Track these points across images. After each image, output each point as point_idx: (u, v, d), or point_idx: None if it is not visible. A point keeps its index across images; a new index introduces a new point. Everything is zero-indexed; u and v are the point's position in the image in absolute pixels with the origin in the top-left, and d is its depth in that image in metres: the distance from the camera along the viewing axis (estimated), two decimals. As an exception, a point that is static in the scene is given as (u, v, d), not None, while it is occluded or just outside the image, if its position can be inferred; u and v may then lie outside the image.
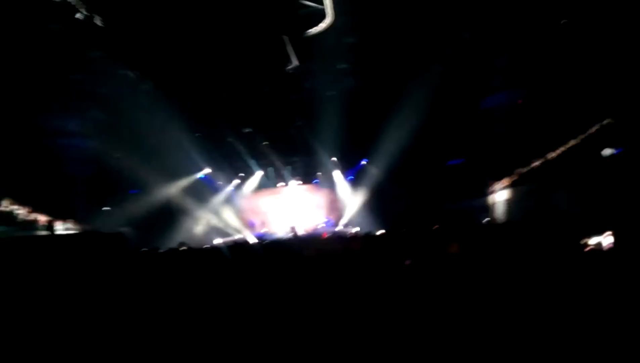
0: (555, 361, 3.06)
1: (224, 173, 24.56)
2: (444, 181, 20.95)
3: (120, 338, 4.04)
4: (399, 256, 5.73)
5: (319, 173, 25.23)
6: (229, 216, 24.35)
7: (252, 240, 20.92)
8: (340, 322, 4.06)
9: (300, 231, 22.06)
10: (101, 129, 18.84)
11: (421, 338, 3.57)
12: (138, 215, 19.96)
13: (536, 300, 3.69)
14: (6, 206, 15.16)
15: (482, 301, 3.95)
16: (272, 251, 8.13)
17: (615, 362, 2.94)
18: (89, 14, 12.75)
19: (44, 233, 15.13)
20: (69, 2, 12.40)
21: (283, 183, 25.83)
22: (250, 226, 24.88)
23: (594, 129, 14.09)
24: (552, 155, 15.84)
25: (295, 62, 14.19)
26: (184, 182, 22.68)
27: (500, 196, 18.73)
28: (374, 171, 22.70)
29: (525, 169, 17.37)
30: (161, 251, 8.50)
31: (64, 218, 16.97)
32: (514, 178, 17.92)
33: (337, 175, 24.55)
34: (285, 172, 25.44)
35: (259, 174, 25.17)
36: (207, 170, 23.64)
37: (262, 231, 24.16)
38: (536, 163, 16.65)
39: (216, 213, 23.99)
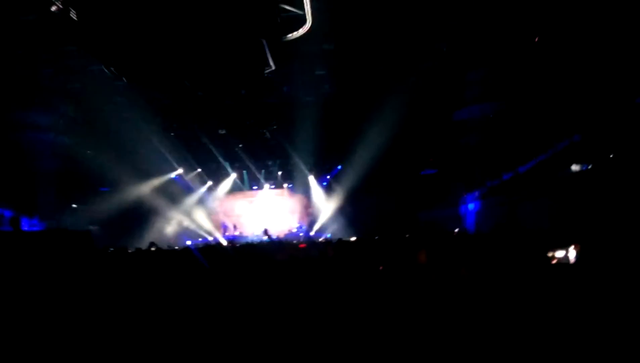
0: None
1: (198, 174, 24.30)
2: (417, 191, 21.20)
3: (80, 340, 3.95)
4: (371, 263, 5.76)
5: (293, 178, 25.22)
6: (201, 218, 24.08)
7: (224, 242, 20.75)
8: (312, 326, 4.05)
9: (273, 235, 21.99)
10: (72, 125, 18.42)
11: (389, 344, 3.59)
12: (107, 214, 19.56)
13: (503, 310, 3.76)
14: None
15: (449, 309, 4.00)
16: (244, 254, 8.07)
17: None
18: (63, 7, 12.47)
19: (7, 228, 14.69)
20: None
21: (257, 187, 25.73)
22: (222, 228, 24.67)
23: (563, 144, 14.48)
24: (522, 168, 16.21)
25: (272, 66, 14.16)
26: (156, 182, 22.33)
27: (471, 207, 19.07)
28: (348, 177, 22.80)
29: (495, 182, 17.74)
30: (130, 251, 8.34)
31: (29, 214, 16.51)
32: (485, 189, 18.28)
33: (311, 181, 24.57)
34: (260, 176, 25.34)
35: (232, 176, 25.00)
36: (180, 171, 23.36)
37: (234, 234, 23.97)
38: (506, 176, 17.02)
39: (188, 214, 23.69)
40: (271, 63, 14.05)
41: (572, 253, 5.11)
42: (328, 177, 24.24)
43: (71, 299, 4.69)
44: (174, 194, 23.37)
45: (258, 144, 22.44)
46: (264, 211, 25.31)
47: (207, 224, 24.10)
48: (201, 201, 24.67)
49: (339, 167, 23.55)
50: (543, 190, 14.28)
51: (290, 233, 23.26)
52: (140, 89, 17.25)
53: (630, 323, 3.12)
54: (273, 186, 25.67)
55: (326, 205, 23.87)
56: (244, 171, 25.27)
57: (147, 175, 21.59)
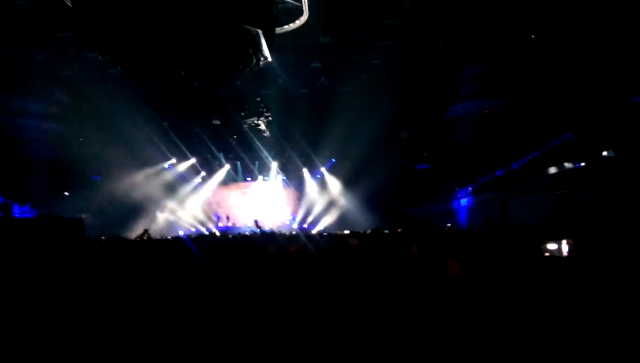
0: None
1: (191, 164, 24.19)
2: (410, 186, 21.24)
3: (70, 328, 3.93)
4: (365, 256, 5.77)
5: (287, 170, 25.18)
6: (195, 208, 24.00)
7: (217, 232, 20.71)
8: (301, 319, 4.05)
9: (266, 226, 21.97)
10: (65, 112, 18.26)
11: (379, 338, 3.61)
12: (100, 202, 19.44)
13: (495, 303, 3.77)
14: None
15: (440, 302, 4.01)
16: (236, 245, 8.05)
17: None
18: None
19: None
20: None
21: (250, 178, 25.67)
22: (215, 219, 24.61)
23: (556, 142, 14.56)
24: (515, 165, 16.29)
25: (268, 57, 14.06)
26: (149, 171, 22.20)
27: (463, 202, 19.15)
28: (341, 171, 22.81)
29: (488, 178, 17.81)
30: (122, 240, 8.29)
31: (21, 201, 16.40)
32: (477, 185, 18.36)
33: (305, 173, 24.55)
34: (253, 167, 25.29)
35: (226, 167, 24.92)
36: (173, 160, 23.24)
37: (227, 224, 23.93)
38: (499, 172, 17.09)
39: (181, 204, 23.60)
40: (267, 54, 13.95)
41: (564, 247, 5.15)
42: (322, 170, 24.20)
43: (62, 287, 4.66)
44: (167, 184, 23.26)
45: (252, 136, 22.36)
46: (257, 203, 25.26)
47: (200, 215, 24.03)
48: (194, 192, 24.57)
49: (333, 160, 23.53)
50: (536, 187, 14.36)
51: (283, 225, 23.25)
52: (135, 77, 17.11)
53: (624, 317, 3.15)
54: (266, 178, 25.62)
55: (319, 198, 23.86)
56: (238, 163, 25.20)
57: (140, 164, 21.45)
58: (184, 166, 23.83)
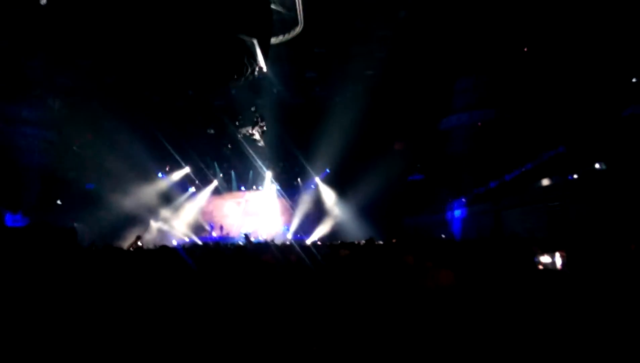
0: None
1: (185, 174, 24.12)
2: (404, 196, 21.27)
3: (60, 337, 3.89)
4: (358, 267, 5.76)
5: (281, 180, 25.17)
6: (188, 218, 23.91)
7: (211, 242, 20.60)
8: (297, 330, 4.03)
9: (258, 237, 21.90)
10: (60, 120, 18.17)
11: (372, 350, 3.59)
12: (93, 211, 19.31)
13: (489, 315, 3.77)
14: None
15: (433, 314, 4.01)
16: (230, 255, 8.01)
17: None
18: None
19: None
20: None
21: (244, 188, 25.64)
22: (209, 228, 24.53)
23: (548, 155, 14.68)
24: (508, 177, 16.38)
25: (263, 67, 14.14)
26: (144, 180, 22.12)
27: (457, 213, 19.20)
28: (336, 181, 22.84)
29: (482, 189, 17.88)
30: (115, 249, 8.25)
31: (13, 209, 16.25)
32: (471, 196, 18.42)
33: (299, 183, 24.56)
34: (248, 177, 25.27)
35: (220, 177, 24.90)
36: (167, 169, 23.19)
37: (221, 234, 23.85)
38: (493, 184, 17.17)
39: (175, 213, 23.50)
40: (262, 64, 14.02)
41: (558, 259, 5.17)
42: (316, 180, 24.21)
43: (53, 296, 4.61)
44: (161, 193, 23.17)
45: (246, 145, 22.36)
46: (251, 213, 25.21)
47: (194, 224, 23.95)
48: (188, 201, 24.49)
49: (328, 170, 23.55)
50: (529, 198, 14.45)
51: (277, 235, 23.19)
52: (130, 86, 17.12)
53: (619, 330, 3.15)
54: (261, 188, 25.59)
55: (313, 208, 23.84)
56: (232, 172, 25.17)
57: (134, 173, 21.36)
58: (178, 175, 23.76)
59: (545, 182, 14.07)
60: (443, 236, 18.60)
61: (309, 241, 20.51)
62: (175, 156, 22.29)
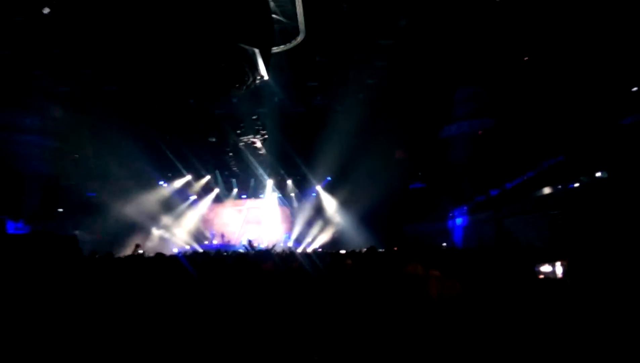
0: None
1: (186, 181, 24.14)
2: (405, 205, 21.26)
3: (63, 345, 3.89)
4: (361, 274, 5.77)
5: (283, 188, 25.19)
6: (189, 225, 23.90)
7: (212, 250, 20.58)
8: (299, 338, 4.03)
9: (261, 245, 21.88)
10: (61, 128, 18.23)
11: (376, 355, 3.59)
12: (94, 219, 19.33)
13: (490, 325, 3.77)
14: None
15: (435, 322, 4.00)
16: (231, 263, 8.01)
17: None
18: (55, 9, 12.46)
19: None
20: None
21: (245, 196, 25.65)
22: (210, 236, 24.53)
23: (548, 163, 14.70)
24: (509, 185, 16.39)
25: (265, 75, 14.21)
26: (145, 188, 22.15)
27: (458, 221, 19.18)
28: (337, 189, 22.85)
29: (483, 197, 17.89)
30: (116, 257, 8.25)
31: (14, 217, 16.27)
32: (472, 204, 18.41)
33: (300, 192, 24.57)
34: (249, 185, 25.29)
35: (221, 185, 24.92)
36: (169, 177, 23.23)
37: (222, 242, 23.83)
38: (494, 192, 17.18)
39: (176, 221, 23.51)
40: (263, 73, 14.09)
41: (559, 269, 5.15)
42: (317, 188, 24.22)
43: (54, 302, 4.61)
44: (162, 201, 23.19)
45: (248, 154, 22.40)
46: (252, 221, 25.21)
47: (195, 232, 23.95)
48: (189, 209, 24.49)
49: (329, 178, 23.55)
50: (530, 207, 14.44)
51: (278, 243, 23.17)
52: (132, 94, 17.18)
53: (621, 340, 3.15)
54: (262, 196, 25.60)
55: (314, 216, 23.84)
56: (233, 180, 25.19)
57: (135, 181, 21.40)
58: (179, 182, 23.79)
59: (547, 190, 14.07)
60: (444, 244, 18.57)
61: (310, 249, 20.49)
62: (177, 164, 22.34)
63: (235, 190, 25.53)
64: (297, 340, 4.02)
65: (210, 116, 19.27)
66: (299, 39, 13.85)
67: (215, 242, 23.94)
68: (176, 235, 23.16)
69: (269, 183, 24.86)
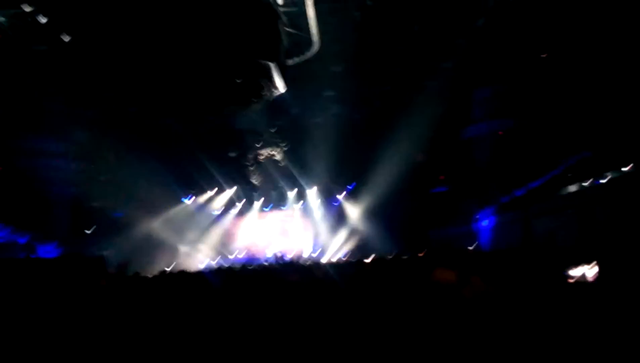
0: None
1: (210, 196, 24.38)
2: (429, 209, 21.04)
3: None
4: (389, 282, 5.72)
5: (305, 199, 25.18)
6: (214, 240, 24.06)
7: (237, 264, 20.67)
8: (327, 350, 4.01)
9: (286, 257, 21.90)
10: (86, 151, 18.67)
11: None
12: (122, 239, 19.65)
13: (520, 331, 3.69)
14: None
15: (466, 329, 3.94)
16: (257, 277, 8.04)
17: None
18: (73, 35, 12.86)
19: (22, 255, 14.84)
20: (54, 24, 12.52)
21: (268, 208, 25.72)
22: (234, 250, 24.61)
23: (573, 160, 14.41)
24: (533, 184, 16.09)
25: (281, 89, 14.33)
26: (169, 205, 22.45)
27: (485, 223, 18.89)
28: (359, 197, 22.75)
29: (508, 198, 17.59)
30: (144, 276, 8.37)
31: (44, 240, 16.66)
32: (498, 206, 18.12)
33: (323, 201, 24.53)
34: (271, 197, 25.36)
35: (244, 199, 25.06)
36: (192, 193, 23.51)
37: (247, 256, 23.90)
38: (519, 192, 16.88)
39: (201, 236, 23.70)
40: (280, 86, 14.22)
41: (591, 272, 4.99)
42: (339, 197, 24.15)
43: (85, 325, 4.69)
44: (187, 217, 23.44)
45: (268, 166, 22.54)
46: (276, 233, 25.23)
47: (220, 247, 24.09)
48: (214, 224, 24.66)
49: (350, 187, 23.48)
50: (557, 205, 14.15)
51: (302, 254, 23.14)
52: (153, 115, 17.51)
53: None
54: (284, 207, 25.61)
55: (337, 225, 23.75)
56: (255, 193, 25.30)
57: (160, 199, 21.68)
58: (202, 198, 24.04)
59: (573, 188, 13.77)
60: (470, 248, 18.29)
61: (335, 258, 20.43)
62: (199, 180, 22.60)
63: (258, 202, 25.61)
64: (325, 353, 3.99)
65: (230, 131, 19.48)
66: (314, 50, 13.94)
67: (239, 256, 24.02)
68: (201, 250, 23.35)
69: (292, 193, 24.89)
